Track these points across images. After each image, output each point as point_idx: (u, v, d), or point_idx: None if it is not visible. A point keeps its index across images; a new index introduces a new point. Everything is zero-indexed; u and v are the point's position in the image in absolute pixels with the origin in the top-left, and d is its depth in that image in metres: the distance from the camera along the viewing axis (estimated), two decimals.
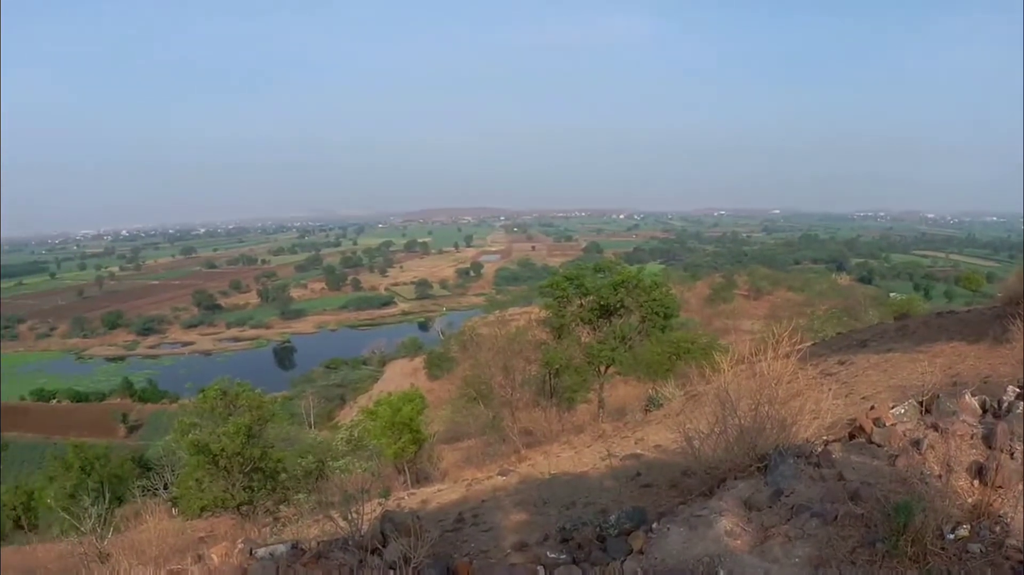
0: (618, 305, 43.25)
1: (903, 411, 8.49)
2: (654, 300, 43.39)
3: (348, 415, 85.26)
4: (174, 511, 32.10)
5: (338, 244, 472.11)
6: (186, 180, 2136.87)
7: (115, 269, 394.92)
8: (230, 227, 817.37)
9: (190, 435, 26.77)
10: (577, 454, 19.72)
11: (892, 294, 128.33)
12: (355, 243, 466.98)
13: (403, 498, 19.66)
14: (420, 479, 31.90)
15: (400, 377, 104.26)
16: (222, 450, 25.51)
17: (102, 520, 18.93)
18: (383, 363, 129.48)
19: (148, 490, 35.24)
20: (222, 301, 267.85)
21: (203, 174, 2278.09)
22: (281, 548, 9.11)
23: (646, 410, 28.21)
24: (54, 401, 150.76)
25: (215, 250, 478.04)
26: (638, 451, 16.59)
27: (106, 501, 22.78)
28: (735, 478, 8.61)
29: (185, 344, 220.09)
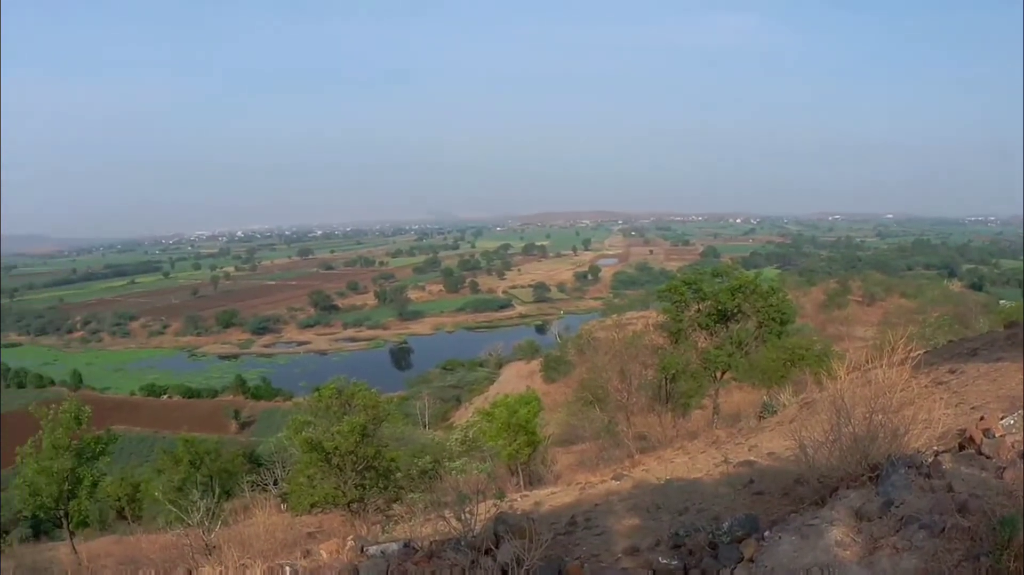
0: (735, 310, 43.27)
1: (1012, 422, 8.54)
2: (771, 306, 43.29)
3: (463, 416, 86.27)
4: (283, 507, 32.88)
5: (456, 247, 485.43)
6: (303, 183, 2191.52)
7: (230, 269, 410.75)
8: (347, 229, 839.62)
9: (304, 432, 27.48)
10: (691, 460, 19.82)
11: (1002, 301, 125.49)
12: (473, 246, 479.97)
13: (516, 500, 19.65)
14: (533, 481, 31.97)
15: (516, 379, 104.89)
16: (335, 448, 26.18)
17: (210, 513, 19.71)
18: (500, 365, 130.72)
19: (257, 485, 35.83)
20: (339, 302, 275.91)
21: (320, 177, 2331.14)
22: (393, 546, 9.40)
23: (760, 416, 28.18)
24: (165, 396, 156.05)
25: (332, 252, 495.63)
26: (752, 458, 16.70)
27: (215, 495, 23.28)
28: (847, 487, 8.69)
29: (301, 343, 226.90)
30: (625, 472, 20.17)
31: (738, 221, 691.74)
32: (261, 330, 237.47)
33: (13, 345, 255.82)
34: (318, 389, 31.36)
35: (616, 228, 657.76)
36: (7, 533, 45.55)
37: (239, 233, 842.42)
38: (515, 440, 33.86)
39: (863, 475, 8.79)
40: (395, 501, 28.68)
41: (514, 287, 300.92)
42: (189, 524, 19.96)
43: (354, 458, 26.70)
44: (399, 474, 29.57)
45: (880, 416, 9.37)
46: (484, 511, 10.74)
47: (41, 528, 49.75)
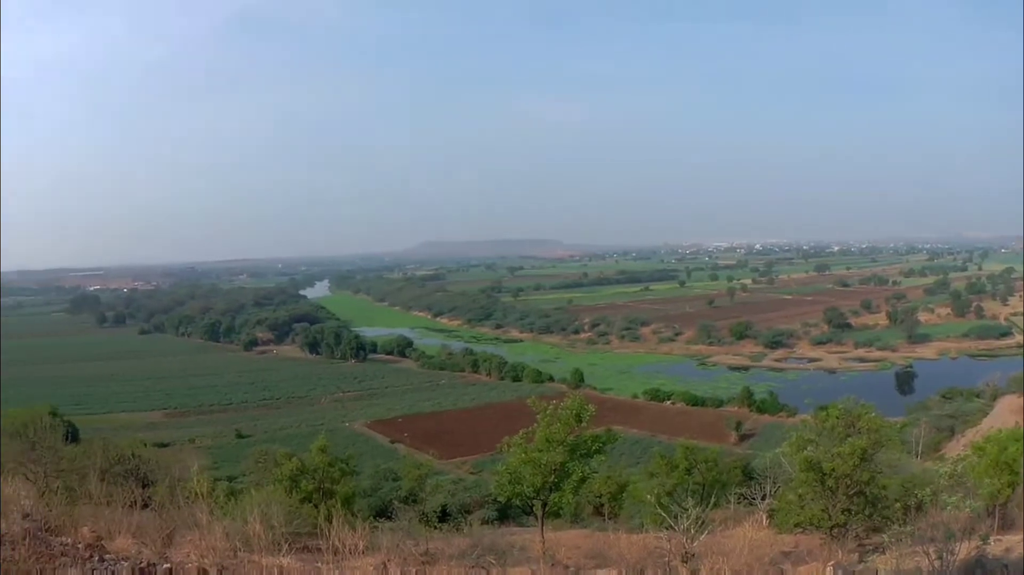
0: None
1: None
2: None
3: (954, 448, 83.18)
4: (766, 522, 34.84)
5: (964, 268, 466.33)
6: (821, 197, 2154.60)
7: (747, 281, 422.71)
8: (863, 246, 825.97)
9: (805, 451, 29.08)
10: None
11: None
12: (980, 267, 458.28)
13: (989, 544, 19.30)
14: (1006, 525, 30.82)
15: (1007, 413, 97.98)
16: (832, 470, 27.34)
17: (698, 521, 20.99)
18: (994, 397, 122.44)
19: (745, 498, 37.80)
20: (852, 320, 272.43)
21: (838, 192, 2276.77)
22: None
23: None
24: (668, 402, 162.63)
25: (848, 268, 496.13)
26: None
27: (707, 504, 24.92)
28: None
29: (811, 360, 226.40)
30: None
31: None
32: (774, 344, 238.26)
33: (514, 341, 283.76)
34: (824, 408, 32.86)
35: None
36: (469, 513, 49.72)
37: (758, 246, 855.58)
38: (999, 478, 32.17)
39: None
40: (876, 530, 28.71)
41: (1015, 314, 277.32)
42: (673, 529, 21.30)
43: (848, 482, 27.62)
44: (897, 504, 29.65)
45: None
46: (965, 551, 11.90)
47: (508, 514, 55.04)
